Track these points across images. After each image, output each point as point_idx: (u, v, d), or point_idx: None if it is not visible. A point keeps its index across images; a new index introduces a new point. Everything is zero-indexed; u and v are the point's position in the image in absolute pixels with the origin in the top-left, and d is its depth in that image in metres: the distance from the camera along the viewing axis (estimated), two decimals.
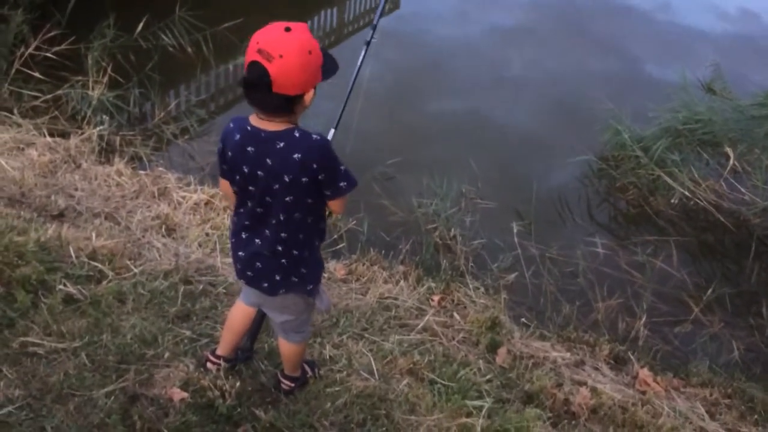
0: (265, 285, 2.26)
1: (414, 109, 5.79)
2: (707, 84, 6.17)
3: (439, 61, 6.63)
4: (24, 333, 2.68)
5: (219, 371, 2.63)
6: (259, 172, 2.04)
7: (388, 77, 5.93)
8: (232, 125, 2.08)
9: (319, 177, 2.04)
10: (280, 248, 2.18)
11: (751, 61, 7.21)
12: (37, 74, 4.95)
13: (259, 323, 2.60)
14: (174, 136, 4.94)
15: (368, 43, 2.66)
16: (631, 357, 3.54)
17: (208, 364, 2.67)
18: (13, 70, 4.93)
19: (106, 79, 4.96)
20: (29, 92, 4.85)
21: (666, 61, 6.97)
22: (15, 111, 4.69)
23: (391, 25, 7.65)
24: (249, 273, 2.27)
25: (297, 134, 2.01)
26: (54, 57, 5.07)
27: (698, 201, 4.88)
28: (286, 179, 2.02)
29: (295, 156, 1.99)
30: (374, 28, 2.69)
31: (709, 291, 4.10)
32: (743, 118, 5.21)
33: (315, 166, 2.02)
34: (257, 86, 1.91)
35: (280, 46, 1.87)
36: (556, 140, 5.56)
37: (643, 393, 3.24)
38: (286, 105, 1.97)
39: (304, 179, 2.03)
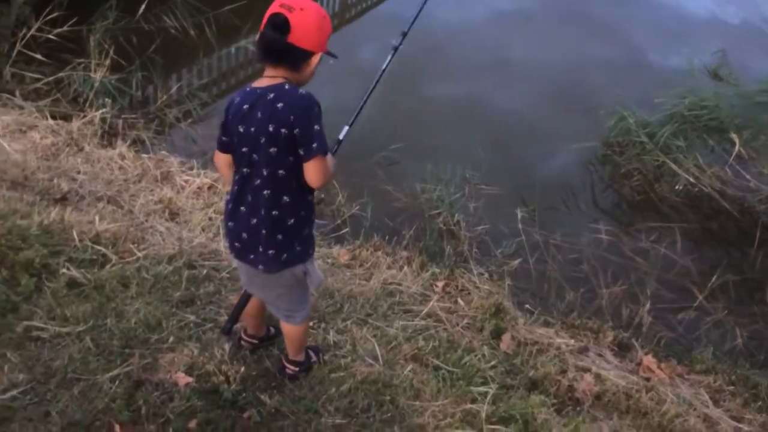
0: (251, 257, 2.27)
1: (417, 94, 5.75)
2: (713, 70, 6.13)
3: (441, 46, 6.57)
4: (28, 317, 2.68)
5: (222, 354, 2.63)
6: (251, 129, 2.11)
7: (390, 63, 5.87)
8: (235, 93, 2.18)
9: (295, 132, 2.07)
10: (263, 211, 2.17)
11: (757, 48, 7.14)
12: (39, 56, 4.91)
13: (242, 305, 2.54)
14: (177, 119, 4.91)
15: (396, 49, 2.70)
16: (635, 344, 3.52)
17: (242, 343, 2.73)
18: (15, 52, 4.88)
19: (108, 61, 4.92)
20: (31, 74, 4.82)
21: (670, 48, 6.92)
22: (17, 93, 4.65)
23: (392, 10, 7.60)
24: (237, 244, 2.28)
25: (287, 86, 2.10)
26: (56, 39, 5.03)
27: (703, 188, 4.85)
28: (270, 129, 2.08)
29: (279, 105, 2.07)
30: (404, 35, 2.74)
31: (714, 278, 4.08)
32: (749, 104, 5.17)
33: (292, 117, 2.06)
34: (275, 33, 2.03)
35: (300, 2, 2.05)
36: (560, 126, 5.53)
37: (647, 380, 3.23)
38: (297, 56, 2.09)
39: (283, 130, 2.07)
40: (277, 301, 2.44)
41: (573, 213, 4.71)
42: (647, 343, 3.60)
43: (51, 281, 2.88)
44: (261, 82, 2.13)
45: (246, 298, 2.46)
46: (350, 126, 2.46)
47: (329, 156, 2.16)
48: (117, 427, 2.28)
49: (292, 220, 2.22)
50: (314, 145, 2.08)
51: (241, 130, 2.13)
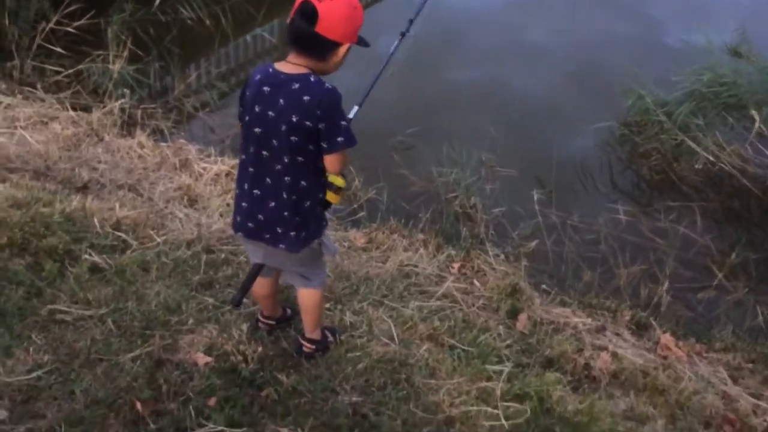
0: (267, 236, 2.29)
1: (432, 78, 5.74)
2: (733, 47, 6.04)
3: (456, 29, 6.54)
4: (52, 301, 2.75)
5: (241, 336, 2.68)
6: (269, 113, 2.13)
7: (405, 47, 5.83)
8: (256, 69, 2.20)
9: (320, 126, 2.11)
10: (284, 195, 2.21)
11: None
12: (58, 49, 4.99)
13: (252, 277, 2.50)
14: (194, 108, 4.96)
15: (403, 35, 2.72)
16: (653, 323, 3.51)
17: (260, 324, 2.77)
18: (35, 46, 4.97)
19: (126, 53, 4.98)
20: (51, 67, 4.90)
21: (690, 27, 6.79)
22: (38, 86, 4.74)
23: None
24: (250, 224, 2.30)
25: (312, 79, 2.11)
26: (75, 31, 5.10)
27: (723, 166, 4.79)
28: (293, 119, 2.10)
29: (305, 98, 2.08)
30: (411, 22, 2.77)
31: (733, 255, 4.05)
32: None
33: (319, 112, 2.09)
34: (303, 22, 2.05)
35: None
36: (577, 107, 5.50)
37: (665, 358, 3.23)
38: (323, 46, 2.09)
39: (307, 123, 2.10)
40: (295, 270, 2.48)
41: (591, 194, 4.69)
42: (666, 322, 3.58)
43: (74, 267, 2.95)
44: (285, 67, 2.13)
45: (256, 269, 2.48)
46: (360, 106, 2.48)
47: None
48: (139, 405, 2.34)
49: (309, 202, 2.27)
50: (340, 139, 2.13)
51: (257, 110, 2.14)
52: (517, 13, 7.08)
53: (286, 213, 2.23)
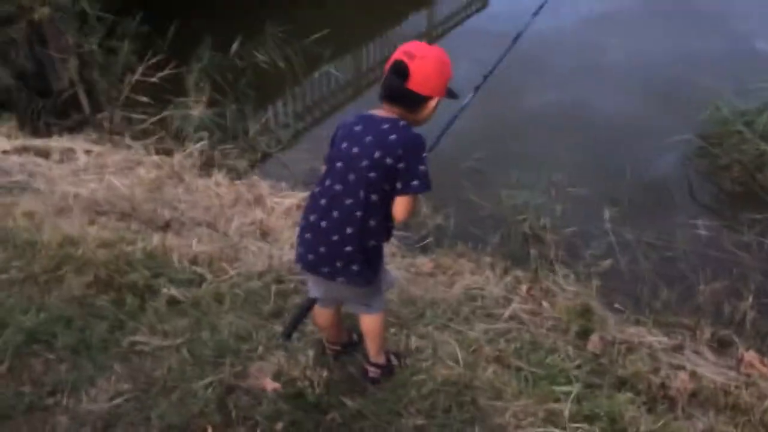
0: (326, 270, 2.35)
1: (506, 103, 5.73)
2: None
3: (531, 54, 6.51)
4: (132, 333, 2.92)
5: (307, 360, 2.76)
6: (354, 149, 2.23)
7: (479, 74, 5.91)
8: (349, 116, 2.34)
9: (399, 165, 2.18)
10: (349, 230, 2.27)
11: None
12: (144, 99, 5.34)
13: (304, 311, 2.60)
14: (268, 147, 5.19)
15: (477, 89, 2.83)
16: (736, 340, 3.35)
17: (327, 351, 2.84)
18: (123, 97, 5.34)
19: (205, 98, 5.28)
20: (138, 116, 5.25)
21: None
22: (126, 134, 5.09)
23: (482, 24, 7.65)
24: (310, 256, 2.36)
25: (401, 123, 2.22)
26: (158, 82, 5.44)
27: None
28: (376, 155, 2.18)
29: (391, 137, 2.18)
30: (485, 78, 2.91)
31: None
32: None
33: (401, 151, 2.17)
34: (395, 78, 2.18)
35: (423, 50, 2.21)
36: (654, 123, 5.40)
37: (748, 376, 3.07)
38: (414, 101, 2.22)
39: (388, 160, 2.18)
40: (354, 299, 2.55)
41: (668, 210, 4.56)
42: (750, 339, 3.42)
43: (153, 300, 3.13)
44: (378, 112, 2.26)
45: (308, 303, 2.56)
46: (428, 152, 2.54)
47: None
48: (210, 429, 2.45)
49: (373, 242, 2.33)
50: (415, 182, 2.19)
51: (344, 146, 2.25)
52: (592, 35, 7.02)
53: (348, 248, 2.28)
